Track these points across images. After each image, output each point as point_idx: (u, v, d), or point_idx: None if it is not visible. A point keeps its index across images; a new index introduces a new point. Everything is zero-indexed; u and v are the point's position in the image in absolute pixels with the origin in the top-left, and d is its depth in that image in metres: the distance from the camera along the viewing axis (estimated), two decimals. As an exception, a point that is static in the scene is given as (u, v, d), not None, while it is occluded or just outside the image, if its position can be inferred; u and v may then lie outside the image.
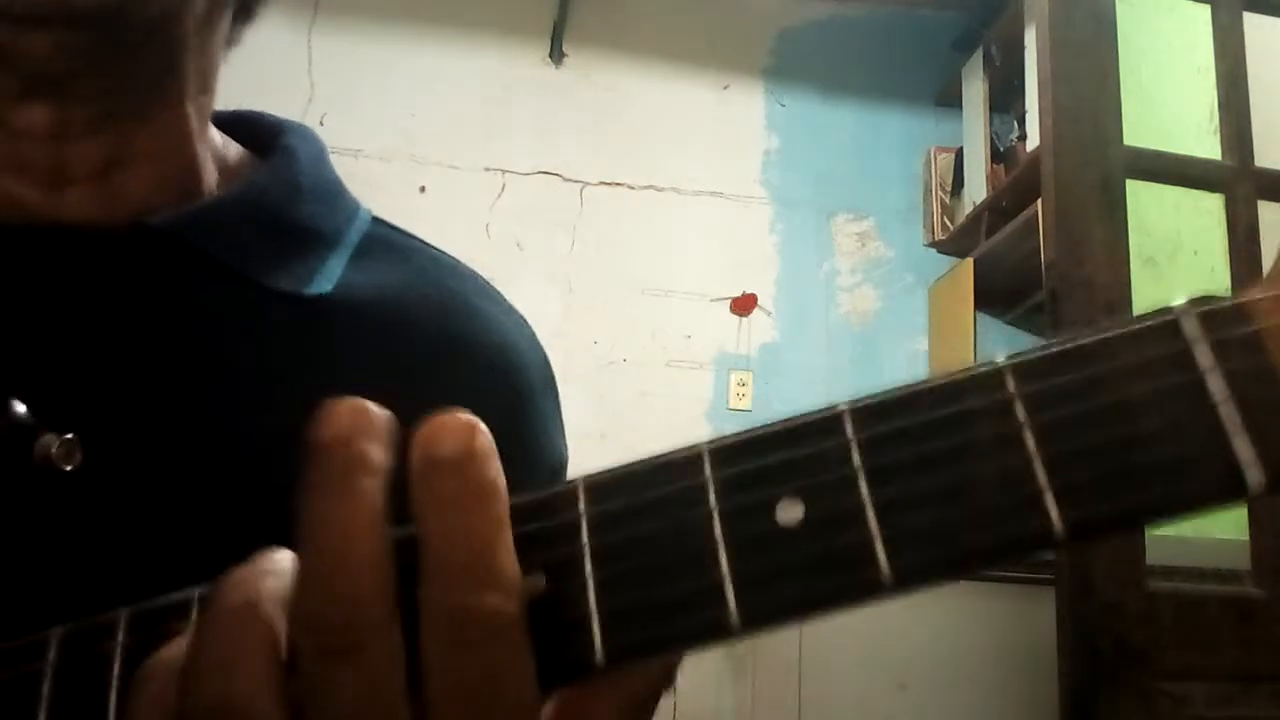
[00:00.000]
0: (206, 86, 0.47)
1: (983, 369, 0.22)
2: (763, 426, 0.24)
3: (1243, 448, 0.20)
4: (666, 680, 0.25)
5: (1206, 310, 0.21)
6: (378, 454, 0.24)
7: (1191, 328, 0.21)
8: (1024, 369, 0.22)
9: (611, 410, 2.43)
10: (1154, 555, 1.45)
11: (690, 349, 2.53)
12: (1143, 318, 0.21)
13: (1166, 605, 1.42)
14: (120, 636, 0.26)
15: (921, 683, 1.86)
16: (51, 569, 0.36)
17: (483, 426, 0.24)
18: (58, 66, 0.40)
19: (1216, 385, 0.20)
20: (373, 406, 0.24)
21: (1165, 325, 0.21)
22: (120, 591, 0.28)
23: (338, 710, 0.22)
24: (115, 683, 0.26)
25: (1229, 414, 0.20)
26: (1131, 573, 1.41)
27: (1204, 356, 0.20)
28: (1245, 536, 1.49)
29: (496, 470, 0.24)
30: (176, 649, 0.24)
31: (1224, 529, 1.61)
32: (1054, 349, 0.22)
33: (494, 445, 0.24)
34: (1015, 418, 0.21)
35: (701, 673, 1.88)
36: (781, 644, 1.89)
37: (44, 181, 0.42)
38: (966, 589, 1.86)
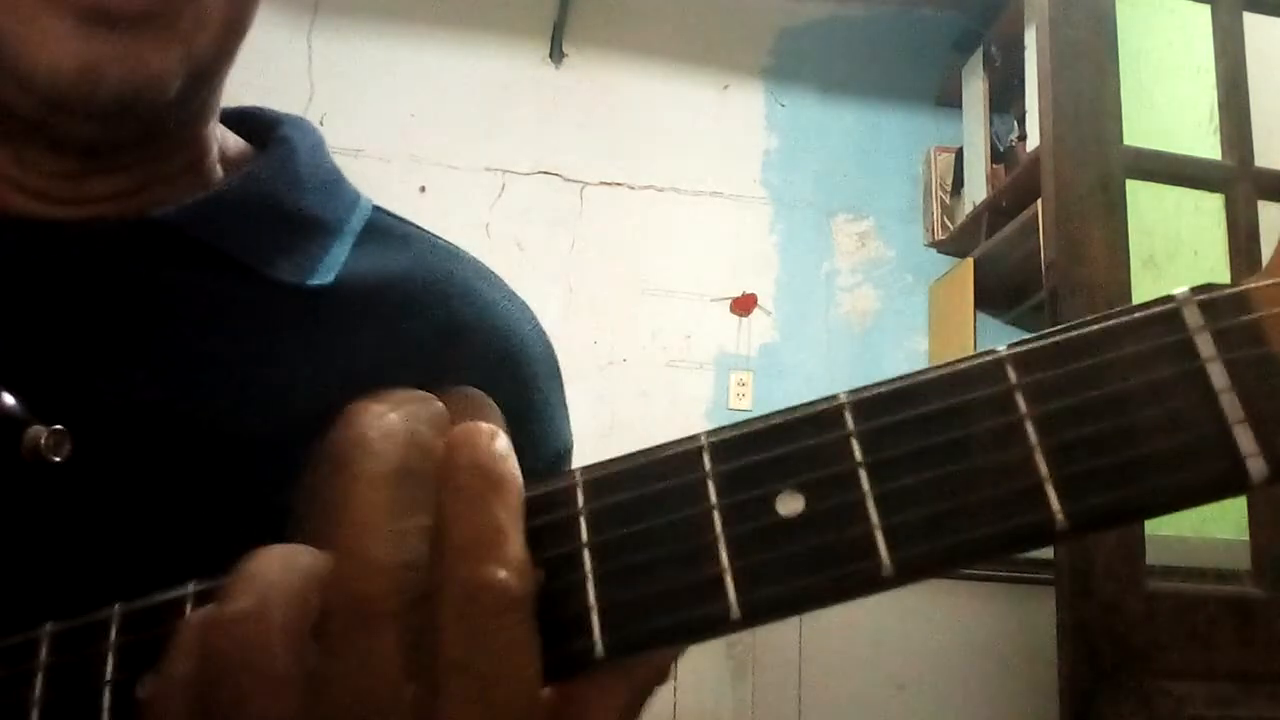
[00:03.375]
0: (219, 101, 0.47)
1: (983, 359, 0.22)
2: (762, 419, 0.24)
3: (1244, 438, 0.19)
4: (660, 677, 0.26)
5: (1207, 299, 0.20)
6: (429, 439, 0.25)
7: (1193, 317, 0.20)
8: (1025, 359, 0.22)
9: (611, 410, 2.43)
10: (1154, 555, 1.44)
11: (690, 349, 2.53)
12: (1144, 306, 0.21)
13: (1166, 605, 1.41)
14: (113, 636, 0.26)
15: (920, 683, 1.86)
16: (40, 561, 0.36)
17: (503, 433, 0.26)
18: (104, 143, 0.41)
19: (1218, 375, 0.20)
20: (427, 396, 0.26)
21: (1166, 314, 0.21)
22: (110, 584, 0.28)
23: (353, 677, 0.23)
24: (108, 683, 0.26)
25: (1230, 404, 0.20)
26: (1131, 573, 1.41)
27: (1205, 346, 0.20)
28: (1245, 536, 1.49)
29: (514, 466, 0.25)
30: (211, 606, 0.25)
31: (1224, 529, 1.61)
32: (1055, 339, 0.21)
33: (511, 446, 0.25)
34: (1016, 408, 0.21)
35: (701, 673, 1.88)
36: (781, 644, 1.88)
37: (53, 203, 0.42)
38: (966, 589, 1.86)
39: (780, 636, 1.88)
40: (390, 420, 0.25)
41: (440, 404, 0.26)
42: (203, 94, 0.43)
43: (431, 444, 0.25)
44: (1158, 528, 1.51)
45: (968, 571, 1.84)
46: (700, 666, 1.88)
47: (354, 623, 0.23)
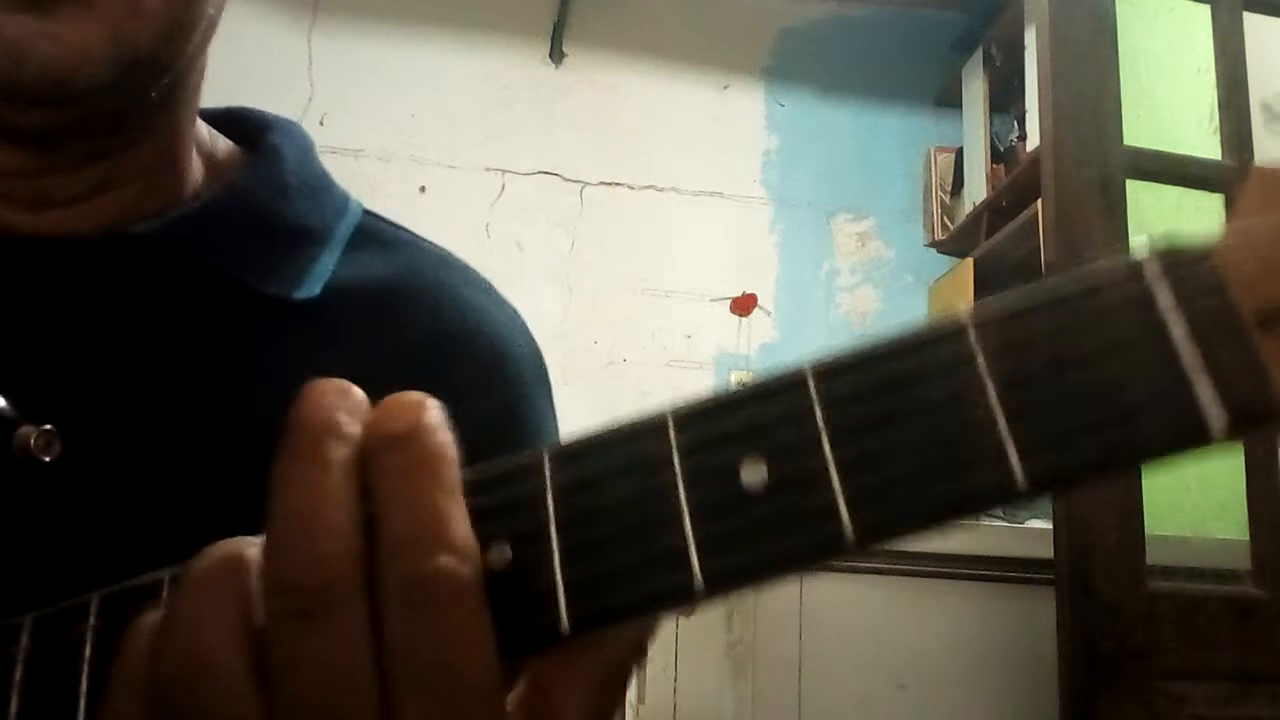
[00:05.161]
0: (195, 92, 0.47)
1: (945, 322, 0.22)
2: (728, 390, 0.23)
3: (1204, 391, 0.19)
4: (638, 653, 0.25)
5: (1168, 250, 0.20)
6: (351, 426, 0.24)
7: (1153, 269, 0.20)
8: (986, 320, 0.21)
9: (612, 410, 2.39)
10: (1154, 555, 1.44)
11: (690, 349, 2.53)
12: (1106, 261, 0.21)
13: (1166, 605, 1.41)
14: (91, 620, 0.26)
15: (921, 683, 1.86)
16: (29, 558, 0.37)
17: (433, 401, 0.25)
18: (52, 132, 0.40)
19: (1177, 325, 0.20)
20: (350, 386, 0.25)
21: (1127, 267, 0.21)
22: (98, 581, 0.28)
23: (304, 675, 0.22)
24: (87, 666, 0.26)
25: (1190, 356, 0.19)
26: (1131, 573, 1.41)
27: (1164, 296, 0.20)
28: (1245, 536, 1.48)
29: (446, 440, 0.24)
30: (155, 614, 0.24)
31: (1224, 529, 1.61)
32: (1015, 298, 0.21)
33: (443, 417, 0.25)
34: (977, 369, 0.21)
35: (701, 673, 1.88)
36: (781, 644, 1.88)
37: (26, 207, 0.42)
38: (967, 589, 1.86)
39: (780, 636, 1.87)
40: (316, 409, 0.24)
41: (361, 393, 0.25)
42: (150, 87, 0.41)
43: (355, 428, 0.24)
44: (1158, 527, 1.51)
45: (968, 571, 1.84)
46: (700, 666, 1.87)
47: (295, 617, 0.22)
